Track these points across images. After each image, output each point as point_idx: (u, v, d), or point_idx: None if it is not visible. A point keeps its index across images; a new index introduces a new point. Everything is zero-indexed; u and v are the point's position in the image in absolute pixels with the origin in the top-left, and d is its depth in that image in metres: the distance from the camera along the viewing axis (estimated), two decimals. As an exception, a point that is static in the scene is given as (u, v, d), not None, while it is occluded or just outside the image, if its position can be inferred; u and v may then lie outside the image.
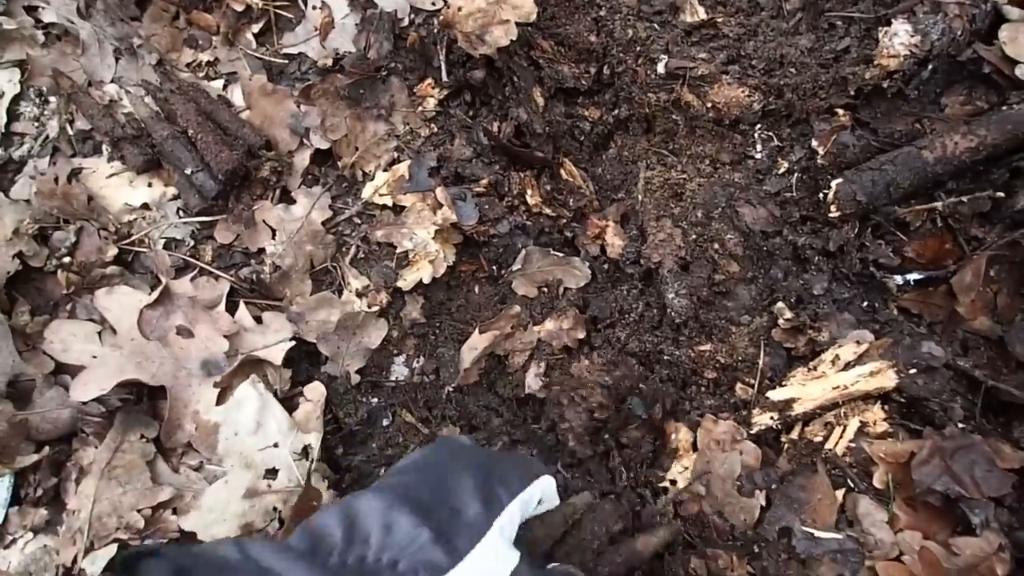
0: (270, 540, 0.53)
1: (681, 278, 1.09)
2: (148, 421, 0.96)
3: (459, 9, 1.08)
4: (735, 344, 1.10)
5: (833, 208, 1.05)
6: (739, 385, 1.04)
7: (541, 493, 0.67)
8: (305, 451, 0.98)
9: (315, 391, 1.02)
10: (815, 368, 1.00)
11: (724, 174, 1.18)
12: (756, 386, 1.04)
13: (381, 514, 0.54)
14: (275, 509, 0.94)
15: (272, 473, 0.95)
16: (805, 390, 0.98)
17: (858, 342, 1.00)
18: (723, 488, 0.94)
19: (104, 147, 1.08)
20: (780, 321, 1.06)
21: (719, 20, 1.19)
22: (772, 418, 0.98)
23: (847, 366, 0.97)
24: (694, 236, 1.13)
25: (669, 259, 1.10)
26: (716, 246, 1.12)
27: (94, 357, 0.95)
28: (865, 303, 1.07)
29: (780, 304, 1.07)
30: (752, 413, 1.00)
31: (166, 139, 1.04)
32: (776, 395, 0.99)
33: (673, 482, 0.99)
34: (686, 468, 0.99)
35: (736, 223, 1.13)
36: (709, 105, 1.15)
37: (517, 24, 1.08)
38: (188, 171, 1.04)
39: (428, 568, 0.51)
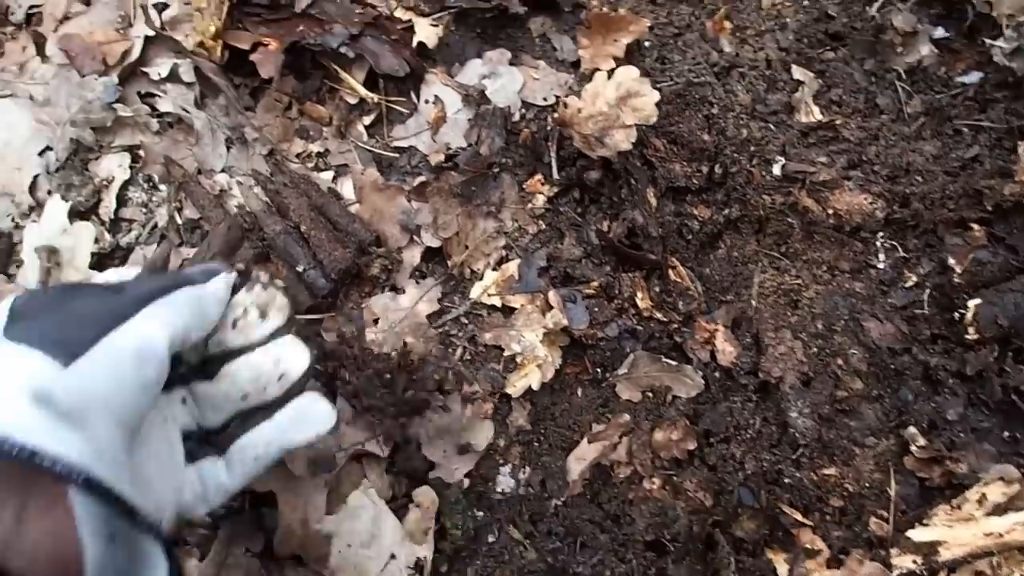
0: None
1: (804, 395, 1.04)
2: (253, 533, 0.92)
3: (578, 111, 1.05)
4: (860, 468, 1.03)
5: (971, 330, 1.00)
6: (873, 519, 0.98)
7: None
8: (418, 566, 0.93)
9: (426, 496, 0.97)
10: (959, 507, 0.93)
11: (844, 283, 1.13)
12: (891, 521, 0.97)
13: None
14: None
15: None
16: (952, 533, 0.91)
17: (1004, 479, 0.93)
18: (869, 641, 0.87)
19: (213, 239, 1.06)
20: (913, 448, 1.00)
21: (838, 122, 1.16)
22: (915, 562, 0.91)
23: (998, 510, 0.90)
24: (815, 349, 1.08)
25: (791, 374, 1.04)
26: (839, 361, 1.07)
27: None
28: (1006, 433, 1.01)
29: (912, 429, 1.01)
30: (890, 553, 0.93)
31: (279, 234, 1.02)
32: (918, 535, 0.92)
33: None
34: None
35: (861, 338, 1.08)
36: (831, 211, 1.11)
37: (635, 126, 1.05)
38: (300, 268, 1.01)
39: None
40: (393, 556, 0.91)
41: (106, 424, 0.48)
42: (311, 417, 0.68)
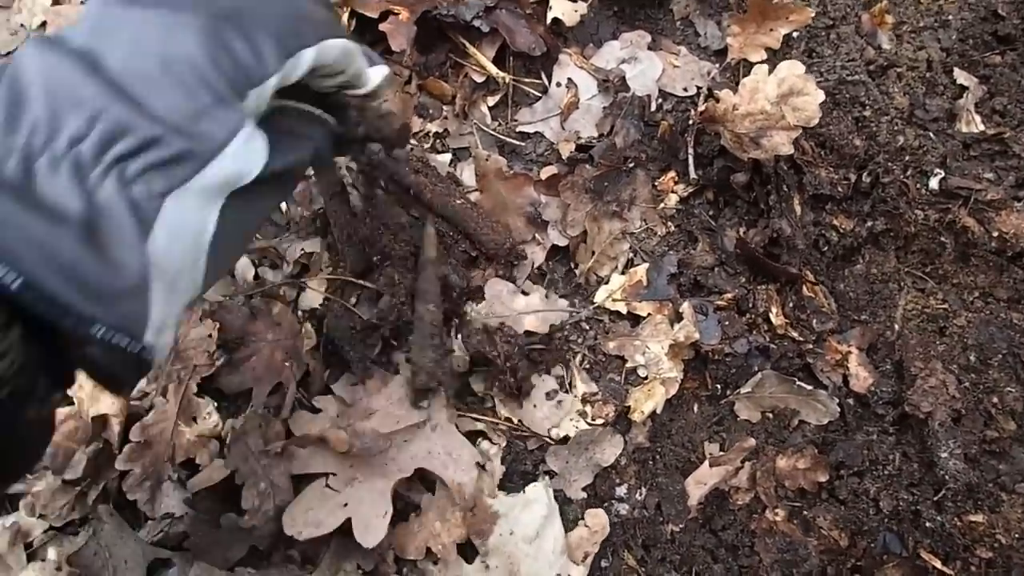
0: None
1: (954, 433, 0.95)
2: (364, 551, 0.85)
3: (733, 107, 0.95)
4: (1008, 516, 0.95)
5: None
6: (1031, 577, 0.90)
7: (317, 61, 0.48)
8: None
9: (598, 520, 0.92)
10: None
11: (1000, 312, 1.03)
12: (1050, 580, 0.89)
13: (64, 75, 0.39)
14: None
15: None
16: None
17: None
18: None
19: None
20: (1074, 501, 0.91)
21: (1006, 135, 1.05)
22: (1084, 630, 0.83)
23: None
24: (967, 384, 0.99)
25: (942, 410, 0.96)
26: (994, 399, 0.98)
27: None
28: None
29: (1075, 481, 0.92)
30: (1052, 616, 0.85)
31: (400, 226, 0.94)
32: (1086, 601, 0.84)
33: None
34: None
35: (1020, 375, 0.99)
36: (995, 233, 1.01)
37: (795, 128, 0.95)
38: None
39: (166, 178, 0.39)
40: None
41: None
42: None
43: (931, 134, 1.07)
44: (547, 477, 0.93)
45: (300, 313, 0.95)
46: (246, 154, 0.43)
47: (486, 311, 0.96)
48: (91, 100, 0.38)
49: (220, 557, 0.82)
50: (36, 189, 0.37)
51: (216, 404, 0.92)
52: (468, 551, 0.90)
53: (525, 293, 0.97)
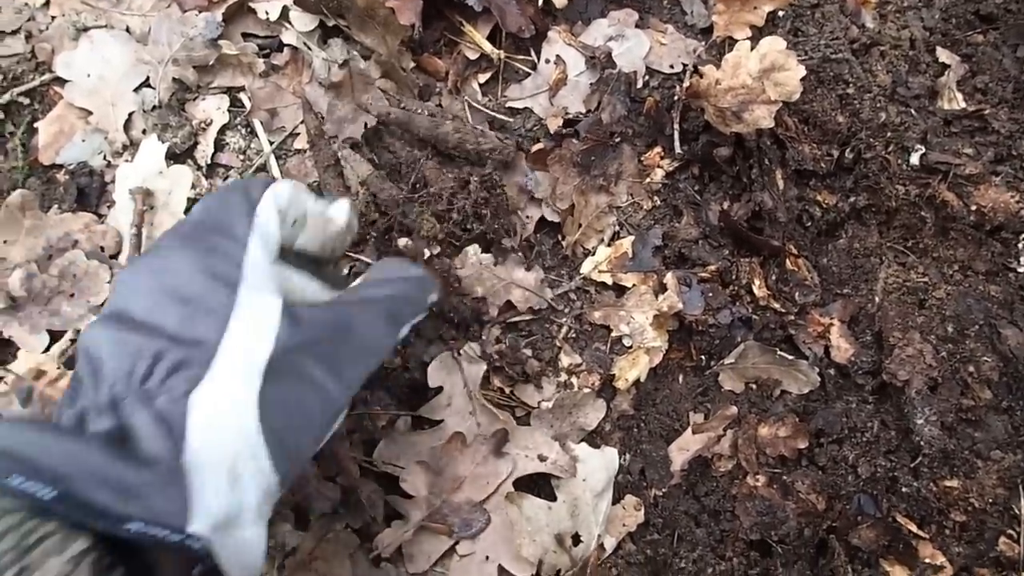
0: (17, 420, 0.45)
1: (931, 402, 0.98)
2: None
3: (716, 82, 0.98)
4: (983, 482, 0.98)
5: (1125, 347, 0.93)
6: (1002, 539, 0.92)
7: (276, 210, 0.54)
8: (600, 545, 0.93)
9: (631, 501, 0.97)
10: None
11: (978, 285, 1.06)
12: (1021, 541, 0.92)
13: (111, 344, 0.44)
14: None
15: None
16: (1094, 561, 0.86)
17: None
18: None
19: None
20: (1047, 466, 0.94)
21: (986, 112, 1.07)
22: (1051, 588, 0.86)
23: None
24: (944, 354, 1.01)
25: (919, 379, 0.98)
26: (970, 368, 1.00)
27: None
28: None
29: (1047, 446, 0.95)
30: (1021, 575, 0.88)
31: (398, 201, 0.97)
32: (1054, 560, 0.87)
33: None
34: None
35: (996, 345, 1.01)
36: (972, 208, 1.03)
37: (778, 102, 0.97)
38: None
39: (183, 381, 0.43)
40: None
41: None
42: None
43: (913, 111, 1.09)
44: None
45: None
46: (251, 328, 0.46)
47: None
48: (147, 348, 0.44)
49: None
50: (86, 429, 0.42)
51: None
52: (541, 484, 0.93)
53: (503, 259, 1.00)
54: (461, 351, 0.93)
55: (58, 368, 0.96)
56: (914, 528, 0.96)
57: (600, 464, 0.95)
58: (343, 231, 0.67)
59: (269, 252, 0.51)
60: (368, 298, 0.59)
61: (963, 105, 1.09)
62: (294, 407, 0.47)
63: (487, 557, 0.87)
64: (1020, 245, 1.05)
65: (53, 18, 1.08)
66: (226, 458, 0.43)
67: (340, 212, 0.65)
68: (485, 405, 0.92)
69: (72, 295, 1.01)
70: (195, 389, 0.42)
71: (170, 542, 0.39)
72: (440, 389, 0.92)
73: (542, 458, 0.92)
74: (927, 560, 0.92)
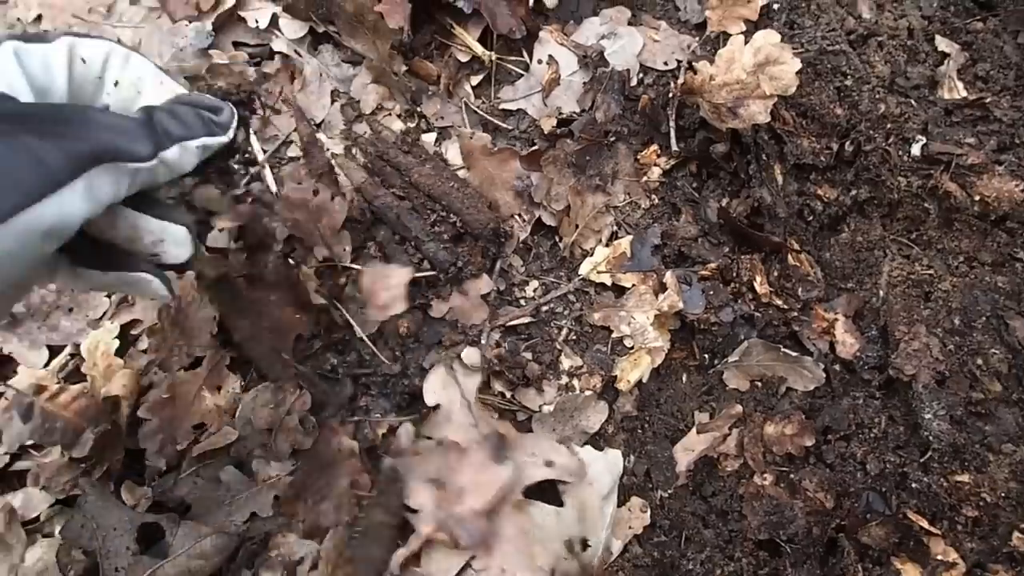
0: None
1: (939, 396, 0.96)
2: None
3: (710, 78, 0.97)
4: (994, 476, 0.96)
5: None
6: (1016, 534, 0.91)
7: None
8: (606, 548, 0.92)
9: (637, 504, 0.96)
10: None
11: (984, 276, 1.04)
12: (1035, 537, 0.90)
13: None
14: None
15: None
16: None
17: None
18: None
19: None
20: (1060, 459, 0.92)
21: (987, 100, 1.06)
22: (1067, 584, 0.84)
23: None
24: (951, 347, 1.00)
25: (926, 373, 0.97)
26: (979, 361, 0.99)
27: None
28: None
29: (1058, 438, 0.93)
30: (1037, 571, 0.86)
31: (390, 206, 0.97)
32: (1069, 555, 0.85)
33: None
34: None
35: (1004, 337, 0.99)
36: (977, 198, 1.02)
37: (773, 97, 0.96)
38: (422, 238, 0.96)
39: None
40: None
41: None
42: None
43: (913, 101, 1.07)
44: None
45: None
46: None
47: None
48: None
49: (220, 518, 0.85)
50: None
51: (242, 381, 0.95)
52: (548, 490, 0.92)
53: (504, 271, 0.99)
54: (456, 361, 0.92)
55: (57, 383, 0.96)
56: (925, 524, 0.94)
57: (604, 467, 0.94)
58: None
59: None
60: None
61: (964, 94, 1.08)
62: None
63: (503, 570, 0.86)
64: (1027, 235, 1.03)
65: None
66: None
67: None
68: (484, 415, 0.91)
69: (70, 309, 1.01)
70: None
71: None
72: (438, 406, 0.91)
73: (549, 463, 0.90)
74: (939, 557, 0.90)
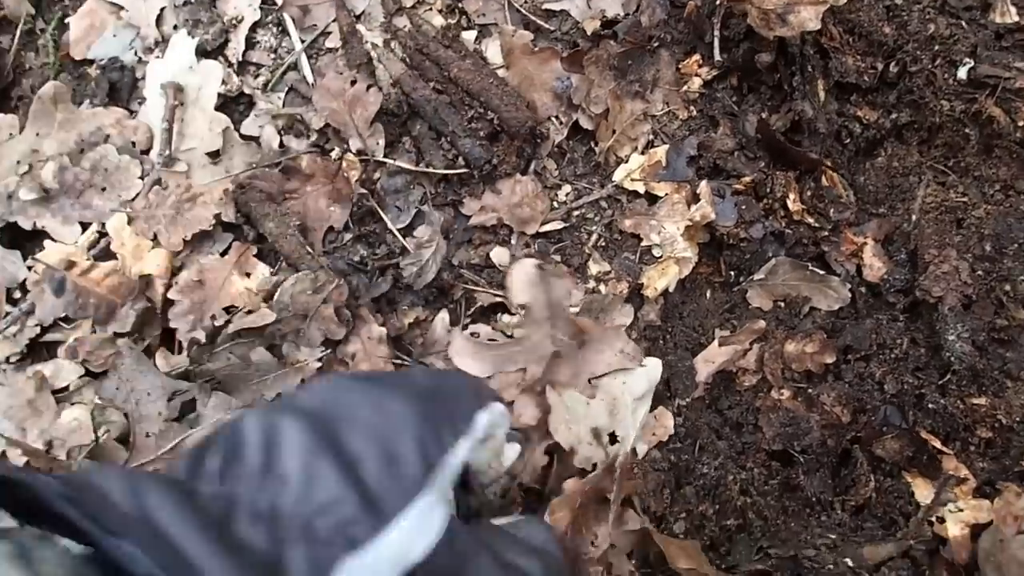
0: (170, 482, 0.42)
1: (964, 319, 0.97)
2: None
3: (762, -18, 0.94)
4: (1011, 401, 0.97)
5: None
6: (1028, 453, 0.92)
7: (489, 425, 0.55)
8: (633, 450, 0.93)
9: (664, 416, 0.98)
10: None
11: (1020, 204, 1.03)
12: (1047, 457, 0.91)
13: (304, 455, 0.44)
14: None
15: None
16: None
17: None
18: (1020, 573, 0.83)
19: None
20: (1080, 385, 0.93)
21: (1041, 25, 1.03)
22: (1077, 500, 0.86)
23: None
24: (980, 272, 1.00)
25: (953, 295, 0.97)
26: (1007, 287, 0.99)
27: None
28: None
29: (1080, 366, 0.94)
30: (1046, 488, 0.88)
31: (427, 100, 0.96)
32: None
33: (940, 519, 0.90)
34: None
35: (1035, 264, 0.99)
36: (1021, 123, 1.00)
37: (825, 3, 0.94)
38: (458, 133, 0.95)
39: (346, 540, 0.42)
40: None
41: None
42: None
43: (963, 23, 1.05)
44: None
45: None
46: (419, 526, 0.44)
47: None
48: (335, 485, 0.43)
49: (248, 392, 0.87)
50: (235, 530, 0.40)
51: (271, 269, 0.96)
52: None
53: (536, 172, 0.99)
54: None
55: (87, 260, 0.97)
56: (938, 444, 0.96)
57: (643, 371, 0.95)
58: (506, 474, 0.68)
59: (461, 459, 0.51)
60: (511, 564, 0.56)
61: (1016, 19, 1.05)
62: None
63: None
64: (1067, 164, 1.02)
65: (82, -94, 1.06)
66: None
67: (512, 451, 0.66)
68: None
69: (103, 189, 1.01)
70: (350, 555, 0.42)
71: None
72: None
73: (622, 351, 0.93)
74: (951, 472, 0.92)
